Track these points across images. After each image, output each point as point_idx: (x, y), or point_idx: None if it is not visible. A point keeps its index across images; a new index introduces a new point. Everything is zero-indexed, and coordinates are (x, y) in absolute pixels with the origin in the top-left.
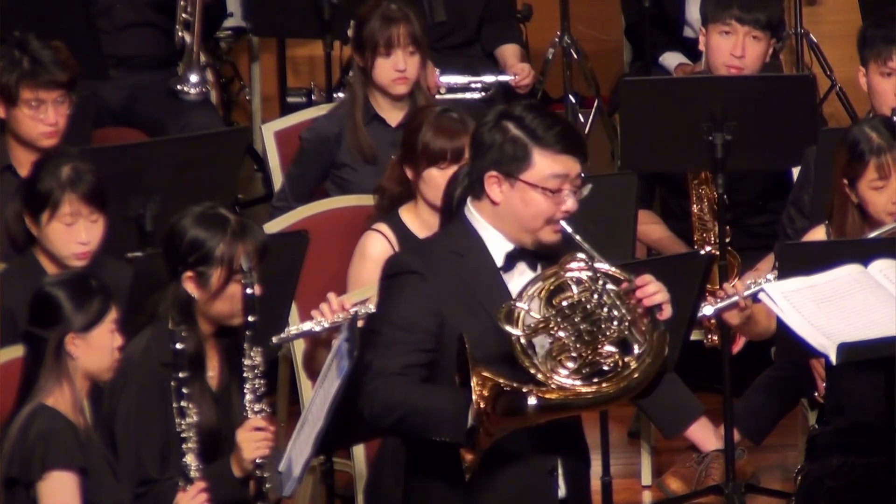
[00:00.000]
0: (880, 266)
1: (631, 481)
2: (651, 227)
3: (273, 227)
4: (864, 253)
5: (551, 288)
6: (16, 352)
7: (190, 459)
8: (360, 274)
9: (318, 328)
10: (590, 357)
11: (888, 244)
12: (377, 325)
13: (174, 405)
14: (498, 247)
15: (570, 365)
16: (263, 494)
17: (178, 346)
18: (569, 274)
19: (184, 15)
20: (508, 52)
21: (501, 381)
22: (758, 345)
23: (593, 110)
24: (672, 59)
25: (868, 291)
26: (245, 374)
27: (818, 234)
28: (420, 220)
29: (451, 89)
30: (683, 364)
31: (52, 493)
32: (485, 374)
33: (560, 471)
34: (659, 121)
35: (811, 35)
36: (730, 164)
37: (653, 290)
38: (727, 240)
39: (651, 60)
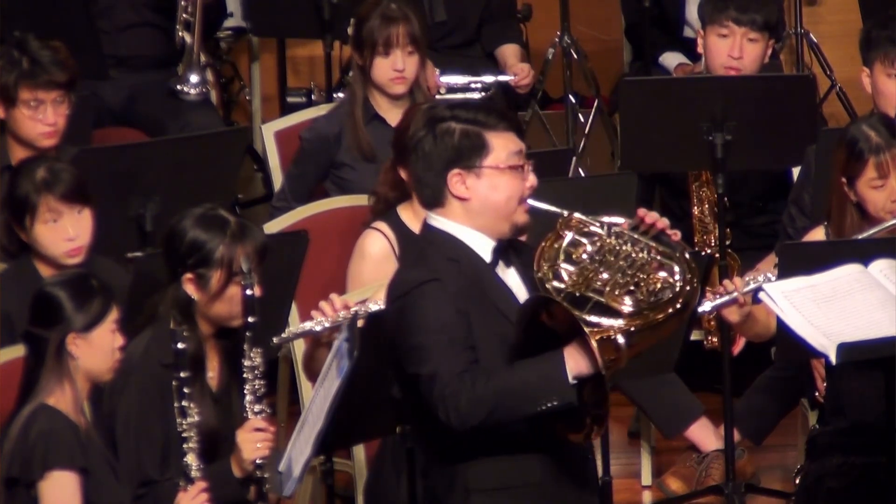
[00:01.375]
0: (880, 266)
1: (631, 481)
2: None
3: (273, 227)
4: (864, 253)
5: (563, 250)
6: (16, 352)
7: (191, 459)
8: (359, 273)
9: (318, 328)
10: (643, 287)
11: (888, 244)
12: (417, 340)
13: (175, 405)
14: (481, 246)
15: (629, 300)
16: (263, 495)
17: (180, 345)
18: (571, 234)
19: (184, 15)
20: (508, 52)
21: (593, 332)
22: (758, 345)
23: (593, 110)
24: (672, 59)
25: (868, 291)
26: (245, 375)
27: (817, 234)
28: (418, 219)
29: (451, 89)
30: (683, 364)
31: (52, 493)
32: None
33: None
34: (659, 121)
35: (811, 35)
36: (730, 164)
37: (656, 216)
38: (728, 241)
39: (651, 60)
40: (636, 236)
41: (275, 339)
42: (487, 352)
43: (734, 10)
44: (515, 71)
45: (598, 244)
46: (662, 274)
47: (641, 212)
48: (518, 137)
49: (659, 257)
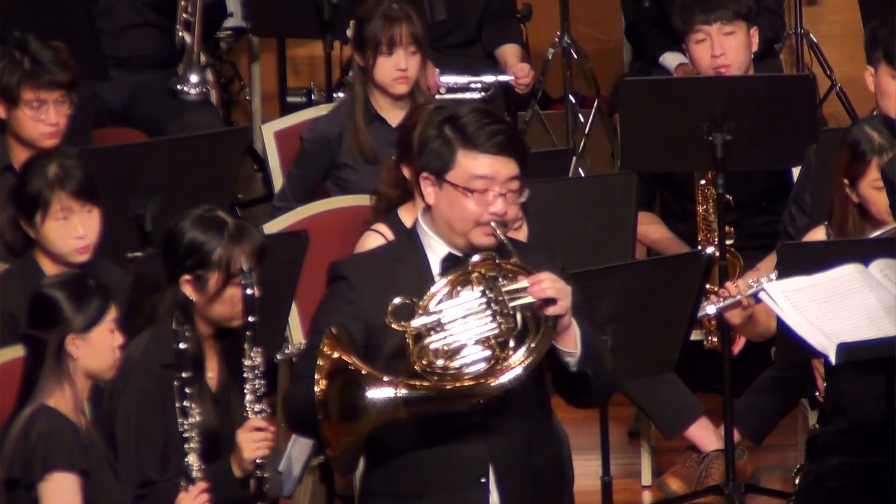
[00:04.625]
0: (880, 266)
1: (631, 481)
2: (651, 228)
3: (273, 227)
4: (864, 253)
5: (455, 283)
6: (16, 352)
7: (192, 459)
8: None
9: None
10: (460, 355)
11: (888, 244)
12: (309, 331)
13: (177, 405)
14: (436, 253)
15: (440, 362)
16: (263, 494)
17: (182, 346)
18: (472, 267)
19: (184, 15)
20: (508, 52)
21: (355, 366)
22: (758, 345)
23: (593, 110)
24: (672, 59)
25: (868, 291)
26: (245, 375)
27: (818, 234)
28: None
29: (451, 89)
30: (683, 364)
31: (53, 495)
32: (336, 356)
33: (492, 477)
34: (659, 121)
35: (811, 35)
36: (730, 164)
37: (545, 286)
38: (731, 241)
39: (651, 60)
40: (510, 301)
41: (279, 356)
42: (396, 354)
43: (700, 13)
44: (515, 71)
45: (474, 295)
46: (478, 353)
47: (532, 278)
48: (504, 163)
49: (513, 329)
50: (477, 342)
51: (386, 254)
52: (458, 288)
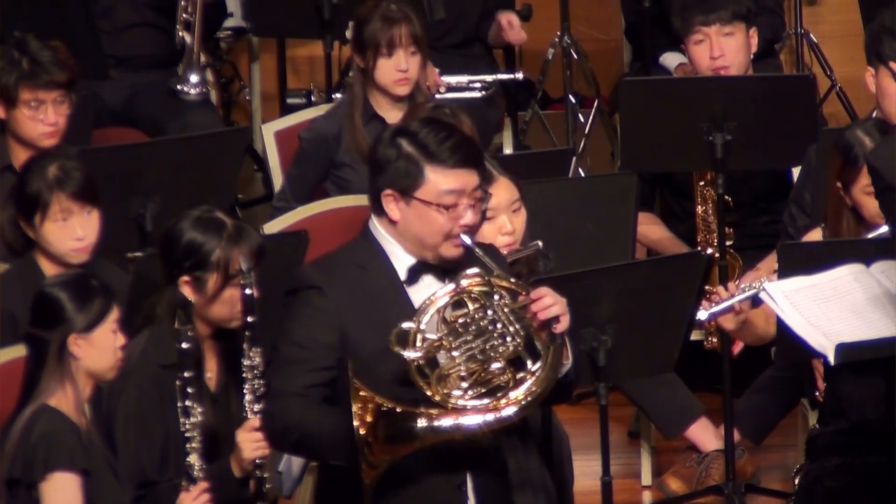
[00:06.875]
0: (881, 266)
1: (631, 481)
2: (651, 228)
3: (273, 227)
4: (864, 253)
5: (450, 303)
6: (17, 352)
7: (194, 459)
8: None
9: None
10: (482, 375)
11: (888, 245)
12: (279, 343)
13: (179, 405)
14: (401, 260)
15: (464, 385)
16: (263, 494)
17: (184, 345)
18: (464, 288)
19: (184, 15)
20: (509, 16)
21: (386, 402)
22: (758, 345)
23: (593, 110)
24: (672, 59)
25: (868, 291)
26: (244, 375)
27: (815, 236)
28: None
29: (452, 88)
30: (683, 364)
31: (54, 494)
32: (369, 397)
33: (469, 485)
34: (659, 121)
35: (811, 35)
36: (730, 164)
37: (548, 304)
38: (731, 241)
39: (651, 60)
40: (515, 319)
41: None
42: (366, 361)
43: (699, 14)
44: (511, 35)
45: (472, 315)
46: (498, 365)
47: (534, 294)
48: (469, 175)
49: (521, 348)
50: (492, 365)
51: (347, 260)
52: (452, 310)
